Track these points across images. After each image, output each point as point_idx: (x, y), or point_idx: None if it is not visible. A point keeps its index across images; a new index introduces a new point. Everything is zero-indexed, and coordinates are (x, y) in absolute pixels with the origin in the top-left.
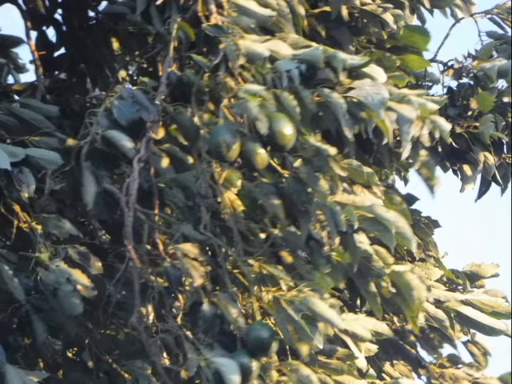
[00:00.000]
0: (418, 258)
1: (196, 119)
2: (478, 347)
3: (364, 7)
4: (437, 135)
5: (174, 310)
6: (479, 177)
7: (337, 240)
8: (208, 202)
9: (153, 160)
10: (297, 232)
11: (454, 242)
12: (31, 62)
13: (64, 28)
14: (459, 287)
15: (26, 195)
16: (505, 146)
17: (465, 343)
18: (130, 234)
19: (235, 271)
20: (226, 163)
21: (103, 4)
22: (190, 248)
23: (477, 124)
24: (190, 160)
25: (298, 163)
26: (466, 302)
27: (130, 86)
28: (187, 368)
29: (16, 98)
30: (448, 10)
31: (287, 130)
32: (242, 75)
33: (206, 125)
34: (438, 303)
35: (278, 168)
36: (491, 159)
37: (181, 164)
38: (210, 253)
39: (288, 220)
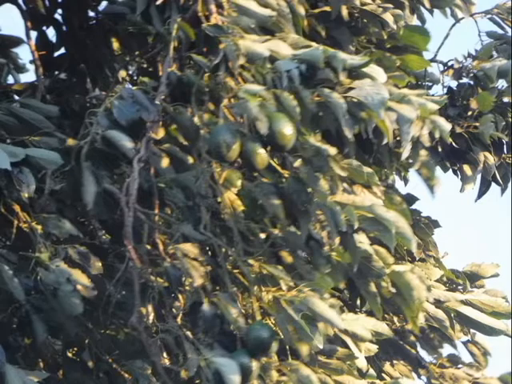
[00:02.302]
0: (418, 258)
1: (196, 119)
2: (478, 347)
3: (364, 7)
4: (437, 135)
5: (174, 309)
6: (479, 177)
7: (337, 240)
8: (208, 202)
9: (153, 160)
10: (297, 232)
11: (454, 242)
12: (31, 62)
13: (64, 28)
14: (459, 287)
15: (26, 195)
16: (505, 146)
17: (465, 343)
18: (130, 234)
19: (235, 271)
20: (226, 163)
21: (103, 4)
22: (190, 248)
23: (477, 124)
24: (190, 160)
25: (298, 163)
26: (466, 302)
27: (130, 86)
28: (187, 368)
29: (16, 98)
30: (448, 10)
31: (287, 130)
32: (242, 75)
33: (205, 125)
34: (438, 303)
35: (278, 168)
36: (491, 159)
37: (181, 164)
38: (210, 253)
39: (288, 220)
